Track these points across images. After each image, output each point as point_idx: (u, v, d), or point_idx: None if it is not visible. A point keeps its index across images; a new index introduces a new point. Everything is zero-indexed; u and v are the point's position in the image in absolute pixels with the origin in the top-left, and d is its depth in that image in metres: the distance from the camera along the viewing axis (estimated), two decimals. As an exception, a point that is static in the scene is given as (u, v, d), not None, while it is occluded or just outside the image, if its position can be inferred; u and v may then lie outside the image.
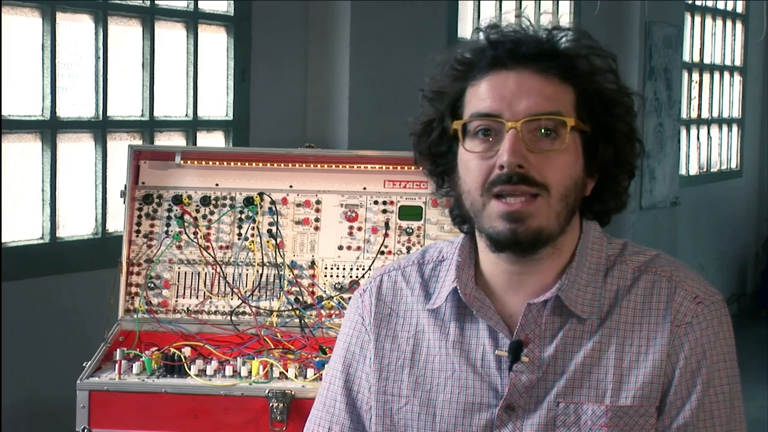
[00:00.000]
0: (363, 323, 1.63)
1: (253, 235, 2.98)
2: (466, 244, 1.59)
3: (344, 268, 2.97)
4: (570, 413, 1.48)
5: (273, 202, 2.99)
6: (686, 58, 7.81)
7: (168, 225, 2.97)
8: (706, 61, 8.28)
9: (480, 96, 1.50)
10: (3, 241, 3.46)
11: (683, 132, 7.81)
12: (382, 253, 2.96)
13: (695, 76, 8.11)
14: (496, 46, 1.51)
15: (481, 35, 1.53)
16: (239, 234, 2.98)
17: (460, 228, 1.60)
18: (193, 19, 4.14)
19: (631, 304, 1.51)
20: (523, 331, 1.51)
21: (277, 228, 2.98)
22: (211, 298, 2.94)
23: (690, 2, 7.94)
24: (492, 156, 1.47)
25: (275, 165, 3.02)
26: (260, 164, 3.02)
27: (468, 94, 1.52)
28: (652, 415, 1.48)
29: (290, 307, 2.91)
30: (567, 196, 1.48)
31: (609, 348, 1.50)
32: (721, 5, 8.52)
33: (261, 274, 2.95)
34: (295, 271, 2.95)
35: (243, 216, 3.00)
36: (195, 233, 2.97)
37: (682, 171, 7.77)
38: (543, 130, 1.47)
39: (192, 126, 4.14)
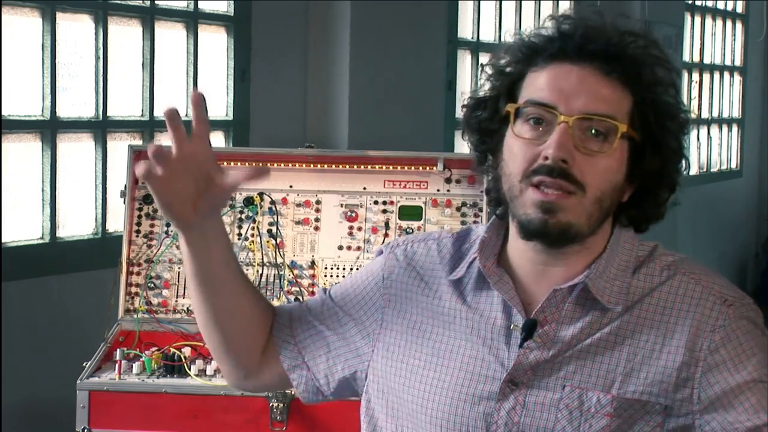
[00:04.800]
0: (383, 279, 1.66)
1: (253, 235, 2.98)
2: (496, 224, 1.60)
3: (344, 268, 2.97)
4: (574, 398, 1.48)
5: (273, 202, 2.99)
6: (686, 58, 7.81)
7: (168, 225, 2.97)
8: (706, 61, 8.28)
9: (539, 84, 1.50)
10: (3, 241, 3.46)
11: (683, 132, 7.80)
12: (382, 253, 2.96)
13: (695, 76, 8.12)
14: (565, 37, 1.51)
15: (553, 24, 1.54)
16: (239, 234, 2.98)
17: (494, 210, 1.62)
18: (193, 19, 4.14)
19: (654, 301, 1.51)
20: (543, 312, 1.52)
21: (277, 228, 2.98)
22: (211, 298, 2.93)
23: (690, 2, 7.94)
24: (539, 145, 1.48)
25: (275, 165, 3.01)
26: (260, 164, 3.01)
27: (528, 79, 1.53)
28: (659, 413, 1.47)
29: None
30: (602, 200, 1.49)
31: (624, 340, 1.50)
32: (721, 5, 8.52)
33: (261, 274, 2.95)
34: (295, 271, 2.95)
35: (243, 216, 3.00)
36: (195, 233, 2.97)
37: (682, 171, 7.76)
38: (594, 131, 1.47)
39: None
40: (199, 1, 4.16)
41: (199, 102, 1.53)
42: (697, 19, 8.11)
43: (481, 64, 1.60)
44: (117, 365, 2.65)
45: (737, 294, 1.54)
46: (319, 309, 1.68)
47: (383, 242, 2.95)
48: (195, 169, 1.53)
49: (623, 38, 1.51)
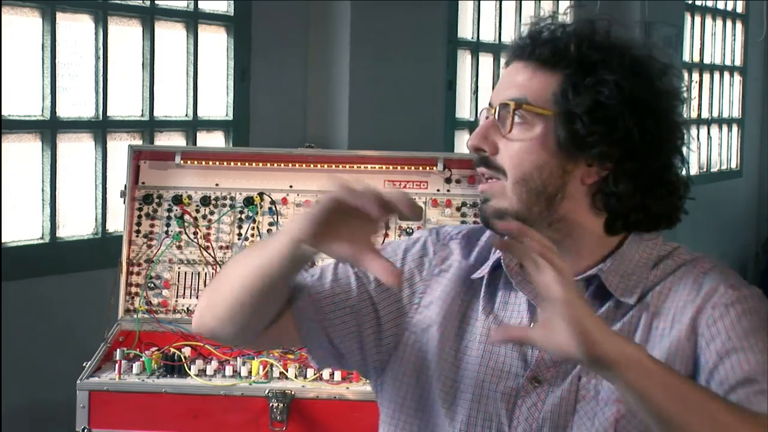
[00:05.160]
0: (427, 253, 1.66)
1: (253, 235, 2.98)
2: None
3: (344, 268, 2.96)
4: (590, 388, 1.49)
5: (273, 202, 2.99)
6: (686, 58, 7.81)
7: (168, 225, 2.97)
8: (706, 61, 8.27)
9: None
10: (3, 241, 3.46)
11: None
12: (382, 253, 2.96)
13: (695, 76, 8.11)
14: (518, 41, 1.56)
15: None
16: (239, 234, 2.98)
17: None
18: (193, 19, 4.14)
19: (666, 291, 1.52)
20: None
21: (277, 228, 2.98)
22: (211, 298, 2.93)
23: (690, 2, 7.94)
24: None
25: (275, 165, 3.02)
26: (260, 164, 3.02)
27: None
28: None
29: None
30: (527, 180, 1.51)
31: (637, 330, 1.50)
32: (721, 5, 8.52)
33: (261, 274, 2.94)
34: (295, 271, 2.95)
35: (243, 216, 3.00)
36: (195, 233, 2.97)
37: (682, 171, 7.76)
38: (515, 118, 1.51)
39: (192, 126, 4.14)
40: (199, 1, 4.16)
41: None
42: (697, 19, 8.10)
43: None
44: (117, 365, 2.65)
45: (748, 285, 1.53)
46: (350, 285, 1.63)
47: (383, 242, 2.95)
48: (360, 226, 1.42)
49: (563, 31, 1.53)
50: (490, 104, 1.56)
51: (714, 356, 1.44)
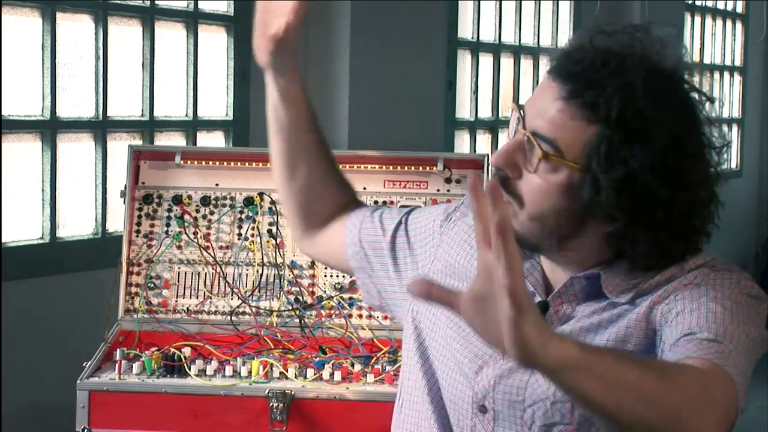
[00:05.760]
0: (439, 224, 1.71)
1: (253, 235, 2.98)
2: None
3: (344, 268, 2.96)
4: None
5: (273, 202, 2.99)
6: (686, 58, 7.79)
7: (168, 225, 2.98)
8: (706, 61, 8.27)
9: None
10: (3, 241, 3.46)
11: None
12: (382, 253, 2.96)
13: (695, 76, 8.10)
14: (560, 54, 1.50)
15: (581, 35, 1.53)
16: (239, 234, 2.98)
17: None
18: (193, 19, 4.14)
19: (661, 290, 1.50)
20: (559, 297, 1.55)
21: (277, 228, 2.98)
22: (211, 298, 2.94)
23: (690, 2, 7.94)
24: None
25: (275, 165, 3.01)
26: (260, 164, 3.01)
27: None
28: None
29: (290, 307, 2.91)
30: (543, 220, 1.48)
31: (619, 320, 1.50)
32: (721, 5, 8.51)
33: (261, 274, 2.95)
34: (295, 271, 2.95)
35: (243, 216, 3.00)
36: (195, 233, 2.97)
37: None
38: (538, 150, 1.46)
39: (192, 126, 4.14)
40: (199, 1, 4.16)
41: None
42: (697, 19, 8.10)
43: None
44: (117, 365, 2.65)
45: (747, 278, 1.51)
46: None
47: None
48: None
49: (606, 63, 1.45)
50: (521, 113, 1.49)
51: (667, 318, 1.45)
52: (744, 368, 1.36)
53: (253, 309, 2.91)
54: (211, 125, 4.25)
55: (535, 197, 1.48)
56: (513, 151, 1.48)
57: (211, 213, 3.00)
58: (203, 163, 3.02)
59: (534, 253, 1.56)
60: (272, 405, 2.59)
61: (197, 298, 2.94)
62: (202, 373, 2.67)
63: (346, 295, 2.92)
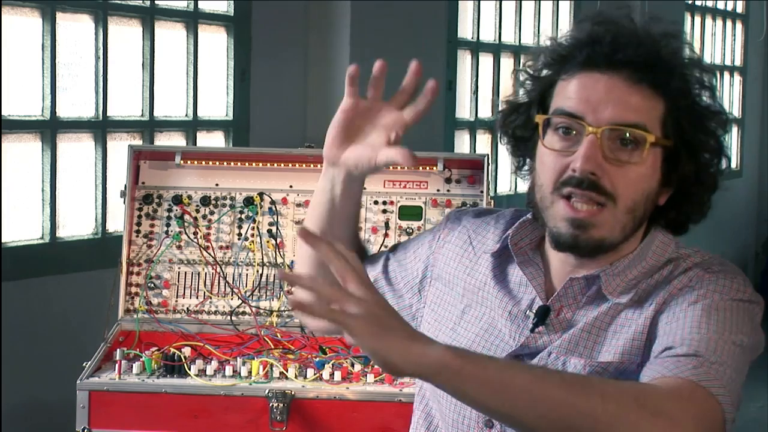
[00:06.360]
0: (440, 237, 1.71)
1: (253, 235, 2.98)
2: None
3: (344, 268, 2.96)
4: (558, 365, 1.50)
5: (273, 202, 2.99)
6: (686, 58, 7.80)
7: (168, 225, 2.98)
8: (706, 61, 8.27)
9: (568, 93, 1.49)
10: (3, 241, 3.46)
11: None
12: (382, 253, 2.96)
13: (695, 76, 8.10)
14: (594, 44, 1.50)
15: (584, 28, 1.52)
16: (239, 234, 2.98)
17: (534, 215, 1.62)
18: (193, 19, 4.14)
19: (658, 291, 1.51)
20: (559, 301, 1.55)
21: (277, 228, 2.98)
22: (211, 298, 2.94)
23: (690, 2, 7.94)
24: (569, 156, 1.48)
25: (275, 165, 3.02)
26: (260, 164, 3.02)
27: (558, 87, 1.52)
28: (633, 372, 1.46)
29: (290, 307, 2.91)
30: (635, 209, 1.49)
31: (615, 320, 1.50)
32: (721, 5, 8.52)
33: (261, 274, 2.95)
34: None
35: (243, 216, 3.00)
36: (195, 233, 2.97)
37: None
38: (623, 140, 1.46)
39: (192, 126, 4.14)
40: (199, 1, 4.16)
41: (416, 72, 1.65)
42: (697, 19, 8.10)
43: (516, 68, 1.58)
44: (117, 365, 2.65)
45: (740, 281, 1.51)
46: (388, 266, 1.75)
47: (383, 243, 2.95)
48: (371, 126, 1.68)
49: (654, 44, 1.50)
50: (579, 117, 1.47)
51: (658, 332, 1.45)
52: (729, 378, 1.37)
53: (253, 309, 2.91)
54: (211, 125, 4.25)
55: (632, 187, 1.47)
56: (594, 153, 1.46)
57: (211, 213, 3.00)
58: (203, 163, 3.02)
59: (593, 257, 1.52)
60: (272, 405, 2.59)
61: (197, 298, 2.94)
62: (202, 373, 2.67)
63: (346, 295, 2.92)
